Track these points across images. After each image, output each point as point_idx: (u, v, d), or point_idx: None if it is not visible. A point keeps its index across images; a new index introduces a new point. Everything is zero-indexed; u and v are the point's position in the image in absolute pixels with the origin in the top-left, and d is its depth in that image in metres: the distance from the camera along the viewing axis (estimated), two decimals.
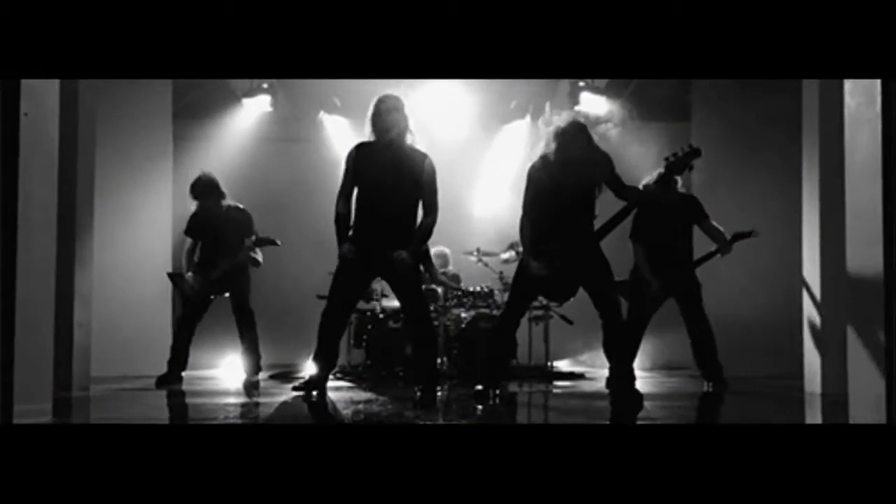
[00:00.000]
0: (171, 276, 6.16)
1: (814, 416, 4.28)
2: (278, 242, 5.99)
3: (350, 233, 4.53)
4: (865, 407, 3.11)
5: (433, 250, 7.26)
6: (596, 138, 4.52)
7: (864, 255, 3.10)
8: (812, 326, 5.35)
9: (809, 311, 5.37)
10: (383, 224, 4.44)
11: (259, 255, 6.12)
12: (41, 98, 3.06)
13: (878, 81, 2.93)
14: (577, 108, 7.89)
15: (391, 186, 4.43)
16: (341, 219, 4.52)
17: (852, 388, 3.26)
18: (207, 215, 5.97)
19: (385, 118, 4.44)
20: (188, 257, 6.05)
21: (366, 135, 4.56)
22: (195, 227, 6.08)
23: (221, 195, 6.01)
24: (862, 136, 3.07)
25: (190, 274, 5.92)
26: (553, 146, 4.38)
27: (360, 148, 4.55)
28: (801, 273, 5.47)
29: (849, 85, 3.17)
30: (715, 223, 5.60)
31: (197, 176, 6.02)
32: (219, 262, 5.92)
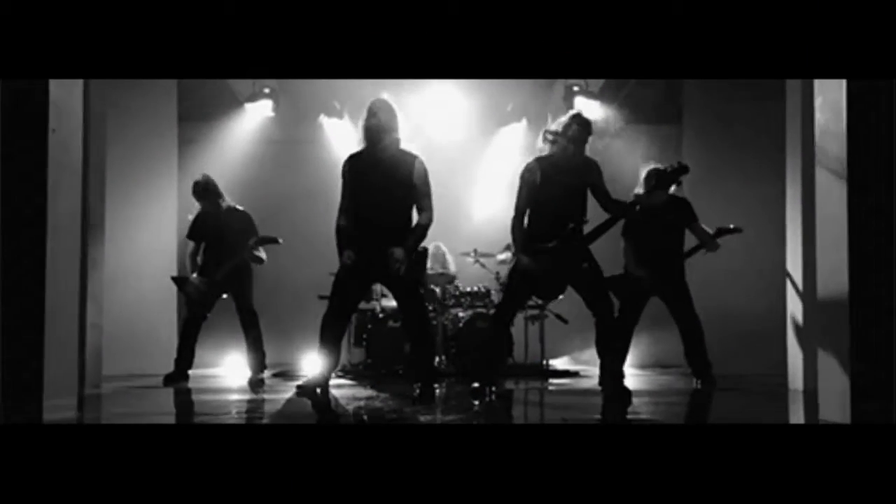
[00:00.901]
0: (175, 279, 6.27)
1: (796, 412, 4.43)
2: (280, 241, 6.10)
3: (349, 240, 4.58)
4: (833, 404, 3.28)
5: (430, 245, 7.39)
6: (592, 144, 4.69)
7: (832, 260, 3.28)
8: (795, 326, 5.52)
9: (793, 311, 5.54)
10: (380, 230, 4.50)
11: (262, 253, 6.24)
12: (67, 114, 3.24)
13: (844, 99, 3.11)
14: (571, 111, 8.00)
15: (384, 191, 4.48)
16: (342, 232, 4.58)
17: (822, 386, 3.43)
18: (208, 218, 6.14)
19: (372, 124, 4.47)
20: (192, 260, 6.21)
21: (358, 142, 4.61)
22: (197, 230, 6.22)
23: (219, 196, 6.17)
24: (831, 151, 3.26)
25: (194, 276, 6.08)
26: (559, 141, 4.53)
27: (352, 159, 4.63)
28: (784, 274, 5.63)
29: (819, 101, 3.36)
30: (704, 226, 5.73)
31: (196, 179, 6.21)
32: (222, 262, 6.05)
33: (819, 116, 3.36)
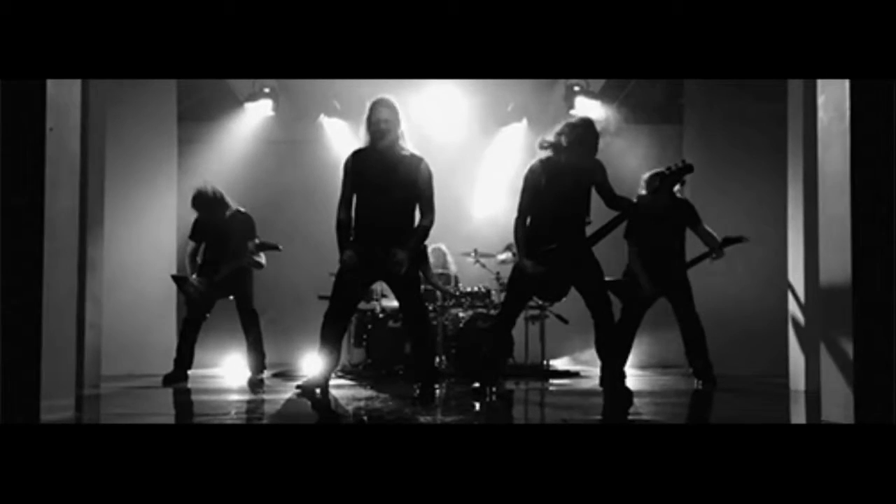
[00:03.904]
0: (175, 278, 6.27)
1: (797, 413, 4.42)
2: (280, 248, 6.11)
3: (350, 238, 4.61)
4: (836, 405, 3.27)
5: (430, 247, 7.41)
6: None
7: (835, 261, 3.25)
8: (796, 327, 5.51)
9: (794, 313, 5.53)
10: (381, 228, 4.52)
11: (262, 258, 6.22)
12: (65, 113, 3.22)
13: (848, 98, 3.09)
14: (571, 111, 8.02)
15: (387, 190, 4.49)
16: (342, 226, 4.59)
17: (824, 387, 3.42)
18: (211, 219, 6.11)
19: (378, 122, 4.50)
20: (191, 260, 6.19)
21: (361, 139, 4.62)
22: (199, 230, 6.20)
23: (226, 207, 6.14)
24: (833, 150, 3.24)
25: (194, 276, 6.07)
26: (564, 139, 4.52)
27: (357, 154, 4.62)
28: (786, 275, 5.62)
29: (821, 100, 3.34)
30: (708, 227, 5.71)
31: (198, 189, 6.09)
32: (221, 265, 6.03)
33: (822, 115, 3.33)
